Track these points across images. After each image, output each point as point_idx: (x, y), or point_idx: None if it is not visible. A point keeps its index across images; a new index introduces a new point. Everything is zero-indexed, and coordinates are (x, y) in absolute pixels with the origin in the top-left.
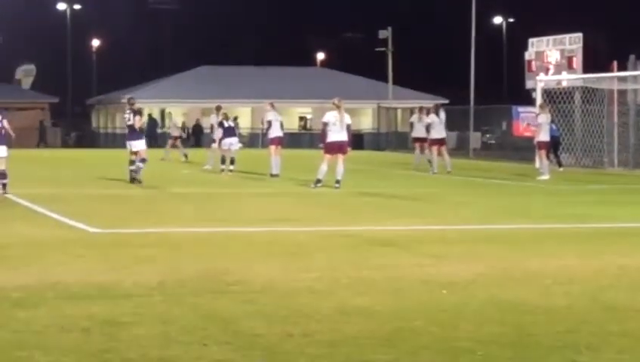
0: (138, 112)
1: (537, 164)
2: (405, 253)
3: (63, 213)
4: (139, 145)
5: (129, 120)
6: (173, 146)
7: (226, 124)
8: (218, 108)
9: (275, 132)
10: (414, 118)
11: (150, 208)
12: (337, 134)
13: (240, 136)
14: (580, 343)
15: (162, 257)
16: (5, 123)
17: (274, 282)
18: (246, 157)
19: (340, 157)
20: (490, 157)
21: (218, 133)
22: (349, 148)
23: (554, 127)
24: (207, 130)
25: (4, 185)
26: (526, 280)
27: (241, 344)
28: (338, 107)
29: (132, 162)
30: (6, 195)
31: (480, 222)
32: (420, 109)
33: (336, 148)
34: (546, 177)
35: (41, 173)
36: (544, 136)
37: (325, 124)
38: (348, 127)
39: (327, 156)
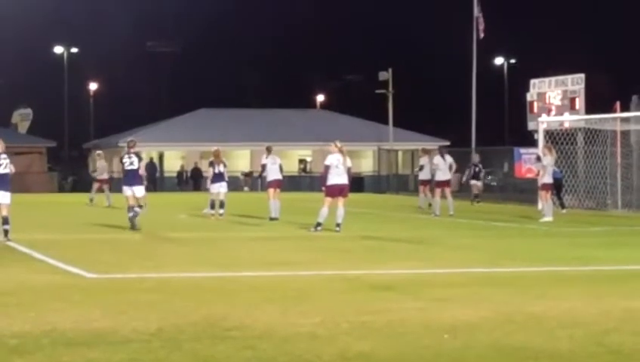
0: (139, 156)
1: (540, 206)
2: (407, 296)
3: (60, 259)
4: (141, 190)
5: (131, 164)
6: (99, 190)
7: (216, 169)
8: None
9: (274, 175)
10: (424, 160)
11: (148, 253)
12: (339, 177)
13: (245, 180)
14: None
15: (160, 302)
16: (11, 166)
17: (273, 327)
18: (245, 201)
19: (341, 200)
20: (492, 199)
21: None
22: (348, 191)
23: (556, 168)
24: (205, 174)
25: (7, 232)
26: (529, 324)
27: None
28: (340, 150)
29: (131, 208)
30: (8, 242)
31: (483, 265)
32: (428, 151)
33: (337, 191)
34: (549, 219)
35: (38, 219)
36: (548, 178)
37: (327, 167)
38: (349, 169)
39: (328, 199)
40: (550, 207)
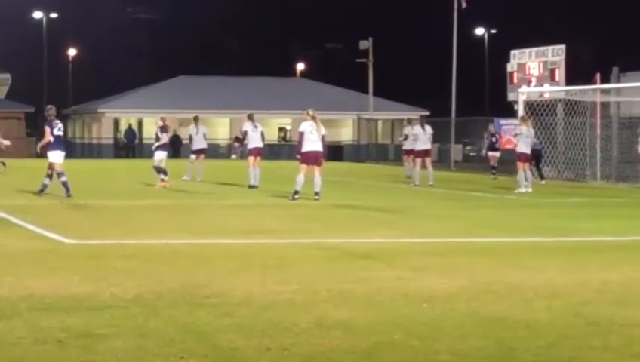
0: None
1: (518, 177)
2: (385, 265)
3: (38, 224)
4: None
5: (59, 130)
6: None
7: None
8: (196, 119)
9: (254, 143)
10: (407, 130)
11: (126, 219)
12: (313, 143)
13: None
14: (562, 358)
15: (139, 269)
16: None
17: (252, 295)
18: (225, 168)
19: (317, 168)
20: (472, 169)
21: (194, 143)
22: (323, 160)
23: (535, 140)
24: (185, 141)
25: None
26: (507, 294)
27: (219, 357)
28: (313, 117)
29: (61, 174)
30: None
31: (461, 235)
32: (410, 121)
33: (312, 158)
34: (522, 190)
35: (16, 184)
36: (522, 148)
37: (301, 134)
38: (323, 137)
39: (304, 166)
40: (522, 178)
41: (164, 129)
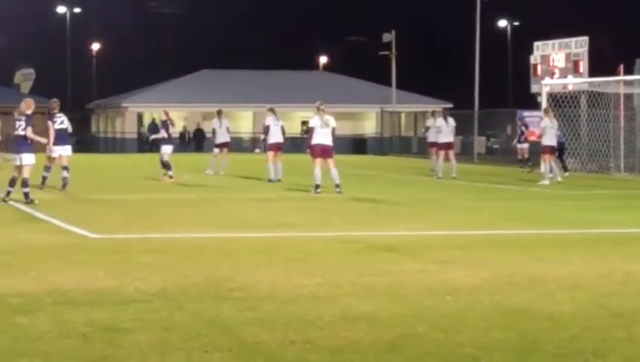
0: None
1: (542, 169)
2: (409, 258)
3: (63, 219)
4: (68, 150)
5: (61, 123)
6: None
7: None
8: (219, 113)
9: (275, 137)
10: (430, 121)
11: (151, 214)
12: (321, 137)
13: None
14: (586, 350)
15: (163, 263)
16: (29, 131)
17: (276, 288)
18: (248, 162)
19: (329, 162)
20: (495, 162)
21: (218, 137)
22: (332, 152)
23: (558, 132)
24: (209, 135)
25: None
26: (531, 286)
27: (243, 351)
28: (321, 110)
29: (48, 168)
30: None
31: (485, 227)
32: (434, 113)
33: (319, 151)
34: (546, 182)
35: (36, 180)
36: (547, 141)
37: (312, 129)
38: (333, 130)
39: (316, 160)
40: (547, 170)
41: (165, 123)
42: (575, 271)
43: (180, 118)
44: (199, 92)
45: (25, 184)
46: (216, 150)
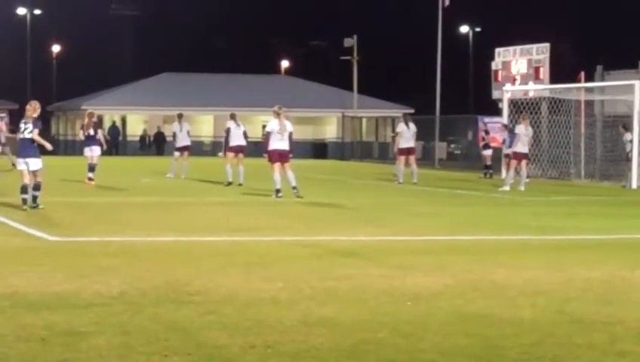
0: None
1: (503, 174)
2: (370, 263)
3: (22, 221)
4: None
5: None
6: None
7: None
8: (180, 116)
9: (236, 140)
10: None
11: (110, 217)
12: (278, 142)
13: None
14: (546, 356)
15: (123, 266)
16: (35, 134)
17: (236, 292)
18: (209, 166)
19: (286, 166)
20: (456, 167)
21: (178, 140)
22: (290, 156)
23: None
24: (169, 138)
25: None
26: (492, 292)
27: (203, 355)
28: (278, 115)
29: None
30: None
31: (446, 233)
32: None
33: (276, 156)
34: (507, 188)
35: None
36: (520, 148)
37: (269, 134)
38: (290, 134)
39: (275, 165)
40: (510, 176)
41: (95, 124)
42: (536, 277)
43: (140, 121)
44: (160, 95)
45: (37, 187)
46: (176, 153)
